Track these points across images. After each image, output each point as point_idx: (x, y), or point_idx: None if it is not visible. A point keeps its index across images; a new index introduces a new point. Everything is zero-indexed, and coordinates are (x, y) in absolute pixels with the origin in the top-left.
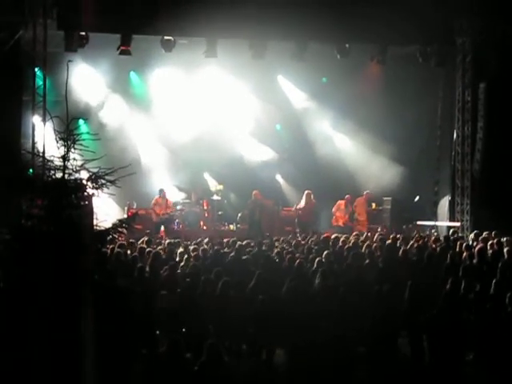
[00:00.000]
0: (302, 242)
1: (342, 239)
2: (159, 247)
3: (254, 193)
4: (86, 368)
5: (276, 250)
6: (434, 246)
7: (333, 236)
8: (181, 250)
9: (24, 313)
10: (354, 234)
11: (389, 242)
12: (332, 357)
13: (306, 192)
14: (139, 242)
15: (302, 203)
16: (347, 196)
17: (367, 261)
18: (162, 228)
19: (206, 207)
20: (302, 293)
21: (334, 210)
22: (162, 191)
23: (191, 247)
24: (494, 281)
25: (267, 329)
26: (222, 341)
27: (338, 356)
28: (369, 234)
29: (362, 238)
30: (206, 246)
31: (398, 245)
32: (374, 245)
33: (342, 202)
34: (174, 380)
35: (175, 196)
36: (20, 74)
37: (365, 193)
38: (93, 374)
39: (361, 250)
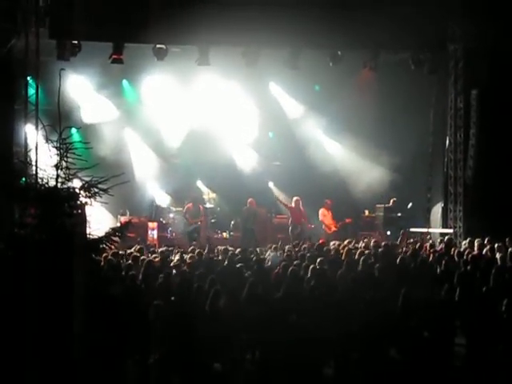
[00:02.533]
0: (296, 249)
1: (334, 246)
2: (153, 255)
3: (249, 201)
4: (79, 374)
5: (269, 258)
6: (427, 252)
7: (329, 243)
8: (175, 257)
9: (16, 321)
10: (348, 240)
11: (382, 249)
12: (323, 361)
13: (295, 199)
14: (131, 250)
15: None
16: (327, 201)
17: (360, 268)
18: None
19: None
20: (296, 298)
21: (321, 219)
22: (192, 197)
23: (185, 255)
24: (485, 287)
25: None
26: (213, 348)
27: (330, 360)
28: (363, 240)
29: (355, 245)
30: (199, 253)
31: (391, 252)
32: (367, 251)
33: (323, 209)
34: None
35: (168, 204)
36: (12, 82)
37: (392, 200)
38: (85, 380)
39: (354, 257)
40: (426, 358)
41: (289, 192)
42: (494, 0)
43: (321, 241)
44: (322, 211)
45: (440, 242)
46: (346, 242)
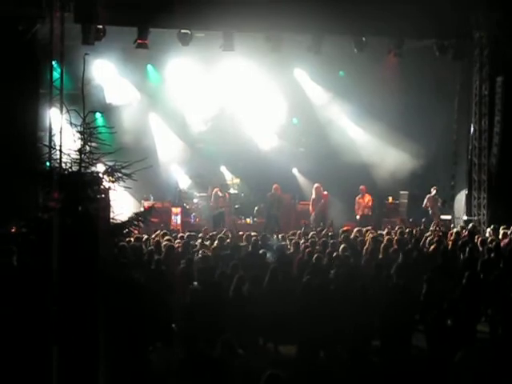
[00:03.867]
0: (320, 235)
1: (358, 233)
2: (176, 241)
3: (275, 187)
4: (100, 358)
5: (291, 243)
6: (451, 239)
7: (352, 230)
8: (197, 242)
9: (39, 304)
10: (371, 228)
11: (406, 236)
12: (346, 349)
13: (316, 186)
14: (153, 236)
15: (313, 196)
16: (361, 187)
17: (381, 255)
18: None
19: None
20: (319, 285)
21: (356, 208)
22: (219, 185)
23: (207, 242)
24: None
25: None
26: (237, 335)
27: (352, 348)
28: (387, 228)
29: (379, 232)
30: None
31: (415, 239)
32: (387, 237)
33: (357, 199)
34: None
35: (191, 189)
36: (37, 67)
37: (432, 187)
38: (106, 363)
39: (378, 244)
40: (448, 345)
41: (313, 178)
42: None
43: (345, 227)
44: (356, 200)
45: (464, 230)
46: (369, 229)
